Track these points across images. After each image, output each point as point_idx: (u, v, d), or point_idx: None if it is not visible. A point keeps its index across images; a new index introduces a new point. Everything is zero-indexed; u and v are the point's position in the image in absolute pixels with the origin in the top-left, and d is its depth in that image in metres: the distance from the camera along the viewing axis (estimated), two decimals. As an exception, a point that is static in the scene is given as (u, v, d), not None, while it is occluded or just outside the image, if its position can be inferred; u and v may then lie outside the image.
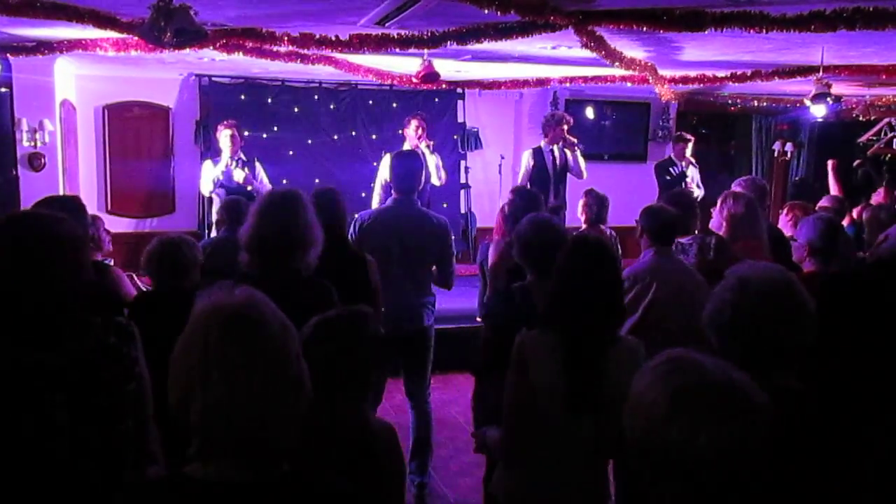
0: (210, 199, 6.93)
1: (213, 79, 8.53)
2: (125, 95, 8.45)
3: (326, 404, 1.87)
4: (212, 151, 7.92)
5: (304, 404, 1.38)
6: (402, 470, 2.11)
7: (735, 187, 4.85)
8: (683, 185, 7.52)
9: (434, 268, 4.25)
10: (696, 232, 4.07)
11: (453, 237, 4.29)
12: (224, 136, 6.64)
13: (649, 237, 3.58)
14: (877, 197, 6.65)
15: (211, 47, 5.60)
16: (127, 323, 1.95)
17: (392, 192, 4.28)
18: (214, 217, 6.31)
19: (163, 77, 8.44)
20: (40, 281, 1.73)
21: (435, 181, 6.76)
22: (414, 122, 6.70)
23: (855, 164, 10.98)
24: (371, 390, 1.99)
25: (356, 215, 4.18)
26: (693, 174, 7.77)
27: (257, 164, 6.91)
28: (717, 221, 4.02)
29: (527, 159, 6.88)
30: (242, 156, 6.73)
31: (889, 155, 11.10)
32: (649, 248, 3.58)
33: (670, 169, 7.79)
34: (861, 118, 10.23)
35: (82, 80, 8.20)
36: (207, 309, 1.34)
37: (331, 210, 3.47)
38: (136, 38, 5.20)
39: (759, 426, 1.22)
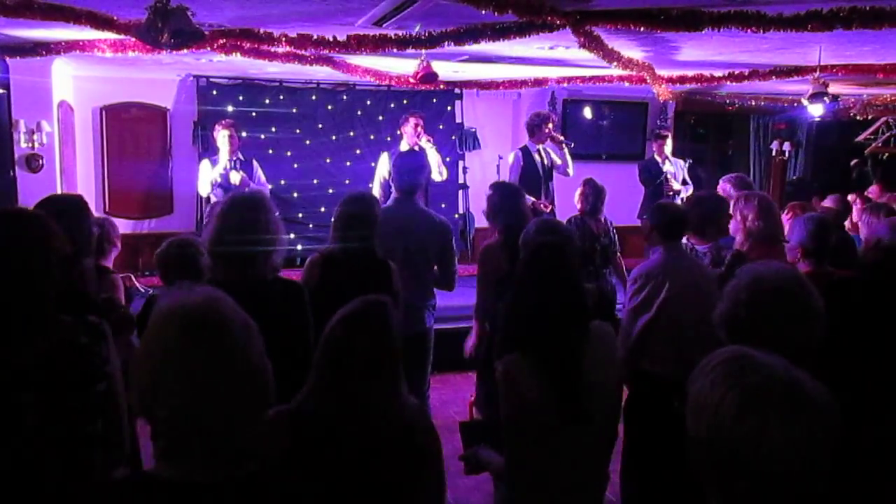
0: (208, 200, 6.92)
1: (211, 80, 8.53)
2: (123, 96, 8.45)
3: (363, 395, 1.89)
4: (209, 152, 7.92)
5: (268, 404, 1.38)
6: (440, 446, 2.11)
7: (723, 183, 4.87)
8: (664, 182, 7.53)
9: (435, 268, 4.24)
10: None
11: (453, 239, 4.28)
12: (222, 137, 6.60)
13: (658, 233, 3.59)
14: (870, 194, 6.67)
15: (208, 48, 5.60)
16: (98, 322, 1.94)
17: (392, 191, 4.27)
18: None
19: (160, 78, 8.44)
20: (5, 279, 1.74)
21: (436, 177, 6.75)
22: (412, 120, 6.69)
23: (852, 163, 11.00)
24: (400, 384, 1.99)
25: None
26: (675, 170, 7.74)
27: (255, 165, 6.88)
28: (735, 226, 3.88)
29: (514, 159, 6.88)
30: (241, 156, 6.71)
31: (886, 154, 11.12)
32: (658, 245, 3.59)
33: (650, 167, 7.80)
34: (858, 117, 10.24)
35: (80, 82, 8.20)
36: (166, 310, 1.34)
37: (363, 217, 3.53)
38: (133, 39, 5.20)
39: (826, 422, 1.22)
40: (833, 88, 7.08)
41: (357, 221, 3.52)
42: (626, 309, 3.59)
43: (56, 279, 1.83)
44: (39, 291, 1.79)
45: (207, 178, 6.60)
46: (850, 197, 6.02)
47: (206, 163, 6.76)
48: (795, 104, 9.43)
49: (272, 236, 2.79)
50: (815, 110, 7.21)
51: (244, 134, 8.40)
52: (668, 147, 7.79)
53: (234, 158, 6.61)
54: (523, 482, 2.32)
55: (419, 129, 6.65)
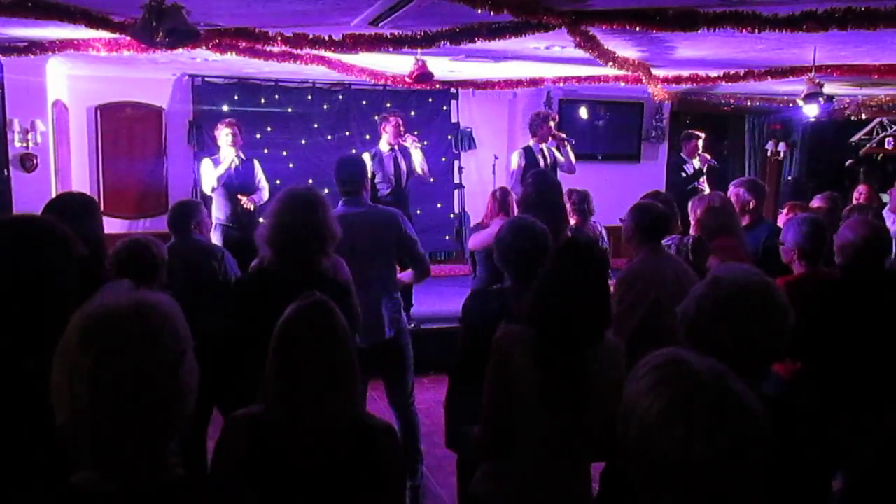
0: (210, 199, 6.82)
1: (206, 79, 8.52)
2: (118, 96, 8.42)
3: (316, 404, 1.85)
4: (205, 151, 7.90)
5: (187, 410, 1.31)
6: (402, 469, 2.09)
7: (733, 188, 4.87)
8: (697, 184, 7.49)
9: (403, 264, 4.12)
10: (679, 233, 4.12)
11: (408, 224, 4.05)
12: (225, 135, 6.49)
13: (641, 235, 3.54)
14: (857, 195, 6.68)
15: (203, 47, 5.59)
16: None
17: (340, 194, 4.06)
18: (219, 217, 6.38)
19: (155, 77, 8.42)
20: (29, 288, 1.71)
21: (418, 170, 6.72)
22: (393, 119, 6.64)
23: (847, 163, 11.02)
24: (353, 386, 1.94)
25: None
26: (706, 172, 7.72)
27: (256, 165, 6.79)
28: (694, 227, 4.08)
29: (517, 159, 6.87)
30: (242, 155, 6.60)
31: (881, 154, 11.15)
32: (642, 247, 3.54)
33: (684, 167, 7.75)
34: (853, 118, 10.27)
35: (74, 81, 8.17)
36: (83, 312, 1.29)
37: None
38: (128, 38, 5.19)
39: (755, 435, 1.18)
40: (828, 89, 7.09)
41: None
42: (614, 313, 3.55)
43: (77, 283, 1.80)
44: (63, 298, 1.75)
45: (212, 175, 6.44)
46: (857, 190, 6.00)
47: (207, 162, 6.62)
48: (790, 104, 9.46)
49: (327, 229, 2.83)
50: (810, 111, 7.21)
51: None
52: (701, 147, 7.72)
53: (237, 156, 6.49)
54: (497, 455, 2.33)
55: (401, 128, 6.63)
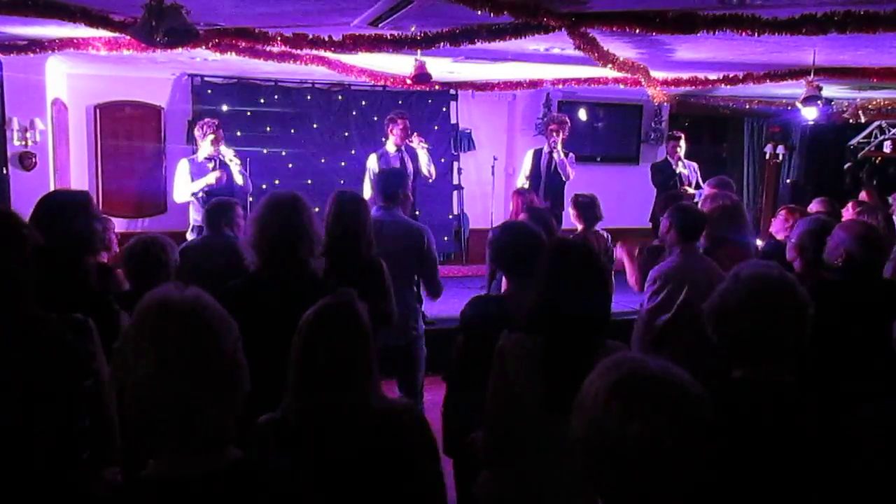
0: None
1: (206, 78, 8.51)
2: (117, 95, 8.42)
3: (340, 392, 1.88)
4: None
5: (241, 396, 1.40)
6: (434, 446, 2.09)
7: (705, 187, 4.91)
8: (677, 185, 7.51)
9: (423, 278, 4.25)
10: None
11: (433, 243, 4.24)
12: (208, 140, 6.25)
13: (678, 234, 3.62)
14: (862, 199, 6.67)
15: (203, 47, 5.59)
16: (84, 319, 1.94)
17: (376, 199, 4.30)
18: (196, 219, 6.05)
19: (155, 77, 8.42)
20: None
21: (425, 173, 6.75)
22: (401, 121, 6.62)
23: (846, 167, 11.03)
24: (374, 378, 1.98)
25: None
26: (689, 173, 7.73)
27: (232, 166, 6.38)
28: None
29: (527, 161, 7.01)
30: (221, 155, 6.33)
31: (879, 158, 11.16)
32: (676, 246, 3.62)
33: (664, 168, 7.79)
34: (852, 121, 10.28)
35: (74, 80, 8.17)
36: (144, 304, 1.38)
37: (352, 214, 3.55)
38: (128, 37, 5.18)
39: (694, 419, 1.22)
40: (827, 92, 7.09)
41: (346, 219, 3.52)
42: (644, 309, 3.62)
43: (33, 272, 1.84)
44: (18, 287, 1.80)
45: (189, 186, 6.16)
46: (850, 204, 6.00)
47: (184, 166, 6.31)
48: (789, 107, 9.46)
49: (311, 231, 2.82)
50: (809, 114, 7.21)
51: (239, 133, 8.38)
52: (682, 149, 7.75)
53: (216, 157, 6.29)
54: (501, 461, 2.32)
55: (407, 129, 6.62)
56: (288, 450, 1.86)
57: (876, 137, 10.90)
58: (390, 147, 6.61)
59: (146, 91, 8.51)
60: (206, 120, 6.52)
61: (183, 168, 6.29)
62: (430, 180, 6.92)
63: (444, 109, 9.56)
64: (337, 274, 3.19)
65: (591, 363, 2.16)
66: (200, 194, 6.09)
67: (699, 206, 4.27)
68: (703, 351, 3.12)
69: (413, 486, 1.95)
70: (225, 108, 8.49)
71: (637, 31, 4.81)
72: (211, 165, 6.26)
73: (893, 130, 10.73)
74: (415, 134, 6.70)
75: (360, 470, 1.88)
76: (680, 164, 7.66)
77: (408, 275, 4.20)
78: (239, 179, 6.32)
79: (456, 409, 3.03)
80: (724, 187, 4.77)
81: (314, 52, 6.07)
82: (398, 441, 1.93)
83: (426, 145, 6.74)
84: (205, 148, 6.29)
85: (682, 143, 7.74)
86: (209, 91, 8.56)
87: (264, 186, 7.76)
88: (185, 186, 6.21)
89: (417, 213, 8.16)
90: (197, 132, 6.44)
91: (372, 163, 6.47)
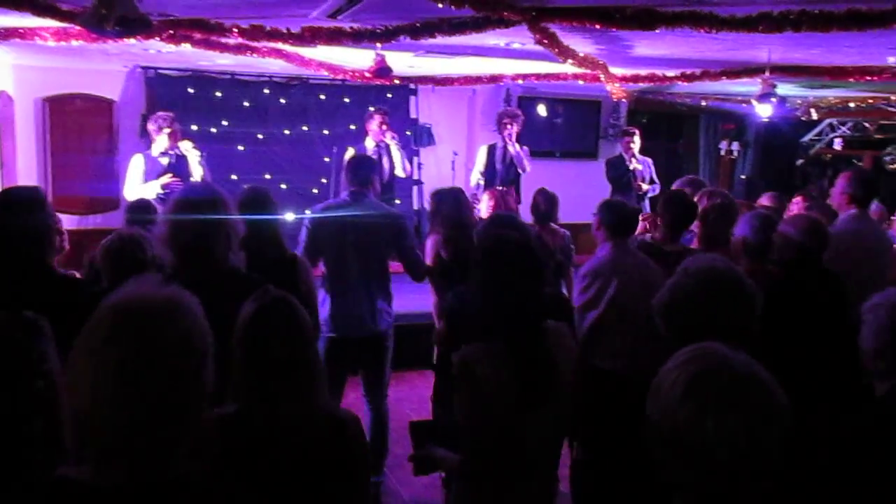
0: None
1: (160, 71, 8.32)
2: (67, 87, 8.18)
3: (286, 399, 1.86)
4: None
5: (201, 408, 1.33)
6: (368, 460, 2.09)
7: (677, 185, 4.93)
8: (631, 181, 7.59)
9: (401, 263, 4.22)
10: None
11: (409, 229, 4.28)
12: (163, 135, 6.11)
13: (607, 231, 3.61)
14: (796, 205, 6.79)
15: (157, 38, 5.44)
16: (34, 318, 1.86)
17: (347, 185, 4.23)
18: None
19: (107, 69, 8.19)
20: None
21: (400, 173, 6.76)
22: (378, 117, 6.63)
23: (798, 163, 11.27)
24: (320, 379, 1.96)
25: (307, 210, 4.13)
26: (643, 168, 7.81)
27: (190, 159, 6.26)
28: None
29: (481, 156, 6.99)
30: (178, 150, 6.21)
31: (830, 155, 11.44)
32: (606, 242, 3.60)
33: (617, 164, 7.86)
34: (804, 119, 10.50)
35: (20, 71, 7.90)
36: (113, 302, 1.29)
37: (263, 211, 3.49)
38: (77, 27, 5.02)
39: (773, 424, 1.22)
40: (781, 90, 7.22)
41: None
42: (575, 306, 3.60)
43: None
44: None
45: (143, 187, 5.95)
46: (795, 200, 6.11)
47: (138, 161, 6.10)
48: (744, 104, 9.63)
49: (229, 230, 2.71)
50: (764, 111, 7.35)
51: (194, 127, 8.21)
52: (636, 144, 7.82)
53: (172, 152, 6.14)
54: (482, 475, 2.29)
55: (384, 126, 6.59)
56: (232, 445, 1.84)
57: (827, 135, 11.17)
58: (369, 143, 6.58)
59: (97, 84, 8.28)
60: (161, 113, 6.36)
61: (137, 164, 6.12)
62: (404, 175, 6.91)
63: (404, 104, 9.49)
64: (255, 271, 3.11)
65: (549, 351, 2.19)
66: (154, 195, 5.87)
67: (660, 201, 4.28)
68: (638, 344, 3.17)
69: (345, 495, 1.93)
70: (180, 101, 8.27)
71: (597, 26, 4.82)
72: (166, 161, 6.11)
73: (843, 128, 11.01)
74: (388, 131, 6.70)
75: (296, 473, 1.86)
76: (633, 160, 7.74)
77: (382, 262, 4.17)
78: (197, 173, 6.18)
79: (444, 398, 3.05)
80: (696, 187, 4.75)
81: (271, 44, 5.97)
82: (339, 450, 1.91)
83: (398, 143, 6.75)
84: (160, 143, 6.13)
85: (636, 138, 7.82)
86: (163, 84, 8.36)
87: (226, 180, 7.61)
88: (137, 184, 6.03)
89: (398, 201, 8.16)
90: (150, 126, 6.27)
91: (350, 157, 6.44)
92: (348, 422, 1.98)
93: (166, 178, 5.93)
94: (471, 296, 2.73)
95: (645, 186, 7.62)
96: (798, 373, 3.00)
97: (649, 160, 7.96)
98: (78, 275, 4.44)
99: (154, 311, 1.26)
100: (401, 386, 5.69)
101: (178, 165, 6.18)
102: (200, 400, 1.32)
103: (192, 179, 6.14)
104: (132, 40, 5.24)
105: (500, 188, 5.79)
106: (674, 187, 4.90)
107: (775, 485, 1.25)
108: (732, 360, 1.26)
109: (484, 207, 5.33)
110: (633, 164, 7.70)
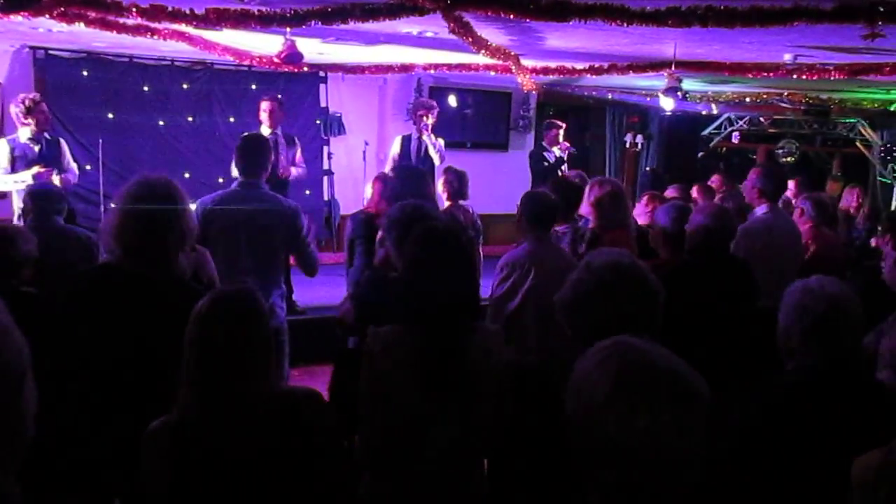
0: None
1: (50, 52, 7.82)
2: (-55, 67, 7.61)
3: (242, 380, 1.82)
4: (55, 131, 7.08)
5: (28, 437, 1.11)
6: (335, 428, 2.04)
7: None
8: (561, 172, 7.65)
9: (293, 258, 4.08)
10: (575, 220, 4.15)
11: (305, 222, 4.02)
12: (32, 120, 5.52)
13: (528, 223, 3.60)
14: (712, 184, 7.07)
15: (47, 16, 5.09)
16: None
17: (239, 175, 4.02)
18: (20, 205, 4.89)
19: (-9, 48, 7.66)
20: None
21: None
22: (266, 105, 6.31)
23: (699, 155, 11.71)
24: (273, 361, 1.94)
25: (198, 201, 3.80)
26: (565, 157, 7.90)
27: (64, 147, 5.81)
28: (586, 208, 4.12)
29: (395, 147, 6.89)
30: (48, 136, 5.72)
31: (724, 147, 11.94)
32: (528, 234, 3.59)
33: (545, 156, 7.89)
34: (704, 112, 10.90)
35: None
36: None
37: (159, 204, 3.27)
38: (-44, 1, 4.64)
39: (698, 414, 1.22)
40: (684, 84, 7.46)
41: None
42: (492, 297, 3.58)
43: None
44: None
45: (5, 167, 5.43)
46: (694, 189, 6.32)
47: (2, 146, 5.56)
48: (647, 98, 9.91)
49: (185, 227, 2.54)
50: (667, 104, 7.58)
51: (89, 113, 7.78)
52: (562, 136, 7.87)
53: (40, 137, 5.58)
54: (379, 465, 2.24)
55: (275, 113, 6.29)
56: (187, 449, 1.78)
57: (725, 128, 11.63)
58: (264, 130, 6.29)
59: (-20, 64, 7.73)
60: (25, 95, 5.71)
61: (2, 151, 5.53)
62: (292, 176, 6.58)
63: (313, 92, 9.29)
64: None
65: (465, 349, 2.14)
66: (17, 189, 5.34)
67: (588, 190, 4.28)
68: (554, 337, 3.19)
69: (318, 472, 1.91)
70: (72, 85, 7.81)
71: (511, 16, 4.82)
72: (38, 148, 5.60)
73: (741, 122, 11.49)
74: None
75: (261, 462, 1.82)
76: (556, 149, 7.80)
77: (276, 257, 3.99)
78: (74, 164, 5.82)
79: (343, 388, 2.93)
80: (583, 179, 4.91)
81: (173, 26, 5.68)
82: (299, 429, 1.87)
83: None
84: (27, 128, 5.56)
85: (562, 132, 7.91)
86: (54, 66, 7.86)
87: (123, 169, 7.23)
88: (1, 174, 5.47)
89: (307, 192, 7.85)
90: (14, 109, 5.62)
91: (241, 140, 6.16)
92: (301, 397, 1.95)
93: (36, 169, 5.38)
94: (393, 281, 2.66)
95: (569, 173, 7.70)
96: (707, 355, 3.10)
97: (567, 145, 8.02)
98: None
99: None
100: (311, 381, 5.51)
101: (49, 152, 5.62)
102: (22, 425, 1.09)
103: (66, 169, 5.69)
104: (18, 17, 4.90)
105: (384, 173, 5.63)
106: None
107: (700, 472, 1.25)
108: (653, 355, 1.26)
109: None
110: (558, 153, 7.75)
